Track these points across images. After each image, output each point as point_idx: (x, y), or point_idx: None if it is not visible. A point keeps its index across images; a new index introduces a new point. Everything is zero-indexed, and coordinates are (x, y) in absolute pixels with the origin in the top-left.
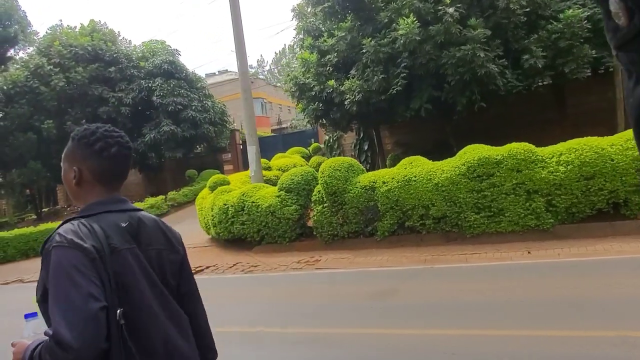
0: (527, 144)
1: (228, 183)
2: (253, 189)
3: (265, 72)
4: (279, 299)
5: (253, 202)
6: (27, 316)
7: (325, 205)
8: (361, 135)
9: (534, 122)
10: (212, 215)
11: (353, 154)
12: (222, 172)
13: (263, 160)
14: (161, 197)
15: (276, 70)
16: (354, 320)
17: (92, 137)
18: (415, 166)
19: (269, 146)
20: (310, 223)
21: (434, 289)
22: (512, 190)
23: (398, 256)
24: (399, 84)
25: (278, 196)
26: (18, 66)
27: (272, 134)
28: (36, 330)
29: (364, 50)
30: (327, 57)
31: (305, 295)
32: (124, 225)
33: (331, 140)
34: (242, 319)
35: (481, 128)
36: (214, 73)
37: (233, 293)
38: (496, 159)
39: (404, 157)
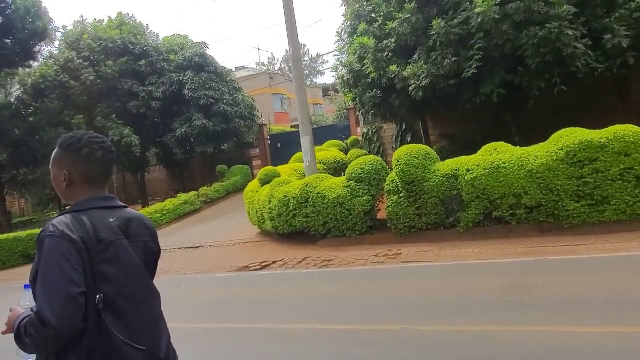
0: (634, 126)
1: (279, 175)
2: (316, 179)
3: (277, 70)
4: (393, 293)
5: (319, 193)
6: (26, 287)
7: (400, 195)
8: (403, 127)
9: (594, 109)
10: (270, 208)
11: (394, 146)
12: (252, 168)
13: (301, 153)
14: (194, 192)
15: (287, 68)
16: (509, 316)
17: (79, 144)
18: (502, 152)
19: (299, 140)
20: (381, 215)
21: (570, 282)
22: (619, 176)
23: (490, 249)
24: (473, 66)
25: (347, 187)
26: (41, 62)
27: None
28: (32, 300)
29: (432, 32)
30: (385, 42)
31: (424, 289)
32: (112, 220)
33: (370, 133)
34: (375, 316)
35: (538, 116)
36: (231, 70)
37: (330, 288)
38: (600, 142)
39: (451, 148)
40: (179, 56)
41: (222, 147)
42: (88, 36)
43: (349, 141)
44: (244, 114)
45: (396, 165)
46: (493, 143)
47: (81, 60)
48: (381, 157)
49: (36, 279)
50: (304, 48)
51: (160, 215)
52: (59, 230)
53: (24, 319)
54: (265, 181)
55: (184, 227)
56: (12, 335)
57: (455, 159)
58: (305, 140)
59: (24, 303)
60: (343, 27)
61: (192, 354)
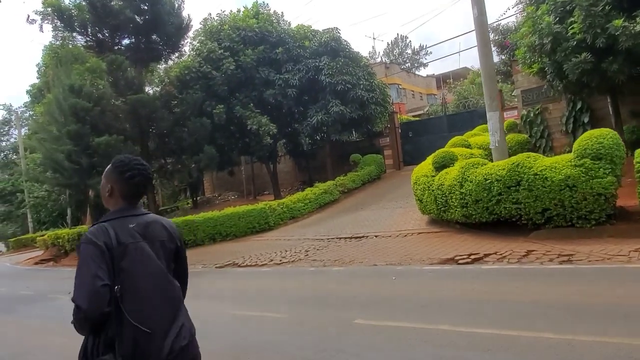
0: None
1: (457, 158)
2: (527, 158)
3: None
4: None
5: (536, 174)
6: None
7: None
8: (577, 106)
9: None
10: (462, 193)
11: (563, 129)
12: (383, 157)
13: (459, 138)
14: (331, 182)
15: (388, 61)
16: None
17: (124, 168)
18: None
19: (433, 128)
20: (623, 201)
21: None
22: None
23: None
24: None
25: (579, 165)
26: (176, 57)
27: (437, 115)
28: None
29: None
30: None
31: None
32: (131, 226)
33: (532, 115)
34: None
35: None
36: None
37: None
38: None
39: None
40: (314, 42)
41: (349, 138)
42: (228, 26)
43: (505, 125)
44: (378, 99)
45: None
46: None
47: (222, 51)
48: (545, 142)
49: None
50: (405, 40)
51: (302, 204)
52: (88, 237)
53: None
54: (441, 165)
55: (328, 216)
56: None
57: None
58: (494, 117)
59: None
60: None
61: None
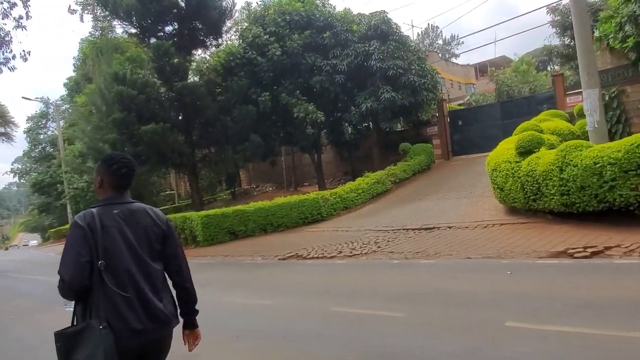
0: None
1: (543, 142)
2: None
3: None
4: None
5: None
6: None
7: None
8: None
9: None
10: (562, 179)
11: None
12: (433, 146)
13: (529, 123)
14: (382, 172)
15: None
16: None
17: (111, 162)
18: None
19: (484, 116)
20: None
21: None
22: None
23: None
24: None
25: None
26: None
27: (489, 103)
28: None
29: None
30: None
31: None
32: (115, 212)
33: (607, 98)
34: None
35: None
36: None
37: None
38: None
39: None
40: (362, 26)
41: (397, 126)
42: (272, 10)
43: (575, 110)
44: (429, 86)
45: None
46: None
47: (267, 36)
48: (623, 127)
49: None
50: (436, 30)
51: (355, 194)
52: (75, 222)
53: None
54: (526, 150)
55: (383, 207)
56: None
57: None
58: (591, 95)
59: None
60: None
61: None
